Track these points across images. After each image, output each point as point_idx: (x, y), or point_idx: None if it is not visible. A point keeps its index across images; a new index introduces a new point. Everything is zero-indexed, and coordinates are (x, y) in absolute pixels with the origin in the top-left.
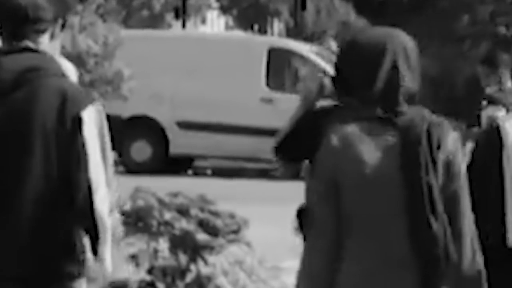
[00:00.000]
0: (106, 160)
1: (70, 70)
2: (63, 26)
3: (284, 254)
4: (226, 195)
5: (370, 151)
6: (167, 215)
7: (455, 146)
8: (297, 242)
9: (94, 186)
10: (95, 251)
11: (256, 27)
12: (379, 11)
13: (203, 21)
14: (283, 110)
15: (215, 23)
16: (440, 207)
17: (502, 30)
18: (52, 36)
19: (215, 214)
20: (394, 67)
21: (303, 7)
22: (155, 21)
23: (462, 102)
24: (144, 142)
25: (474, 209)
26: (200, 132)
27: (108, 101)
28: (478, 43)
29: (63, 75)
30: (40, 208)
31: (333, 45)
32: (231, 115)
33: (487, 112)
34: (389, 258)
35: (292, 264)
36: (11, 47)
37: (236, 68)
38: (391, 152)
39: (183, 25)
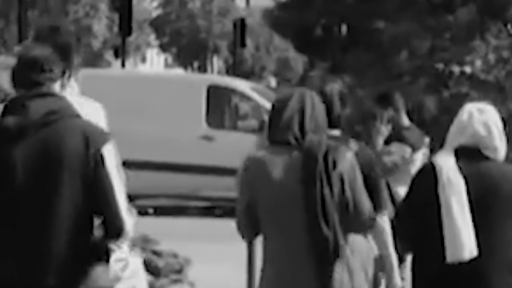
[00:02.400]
0: (123, 187)
1: (99, 109)
2: (69, 77)
3: None
4: (169, 234)
5: (278, 169)
6: None
7: (350, 165)
8: (239, 282)
9: (122, 208)
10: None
11: (196, 64)
12: (318, 48)
13: (143, 59)
14: (223, 147)
15: (154, 61)
16: (331, 213)
17: (440, 66)
18: (62, 86)
19: (158, 254)
20: (301, 108)
21: (242, 44)
22: (94, 59)
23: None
24: None
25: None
26: (141, 171)
27: None
28: (417, 79)
29: (79, 116)
30: (66, 242)
31: (272, 82)
32: (172, 154)
33: (396, 149)
34: (293, 258)
35: None
36: (34, 92)
37: (176, 106)
38: (294, 169)
39: (123, 64)
